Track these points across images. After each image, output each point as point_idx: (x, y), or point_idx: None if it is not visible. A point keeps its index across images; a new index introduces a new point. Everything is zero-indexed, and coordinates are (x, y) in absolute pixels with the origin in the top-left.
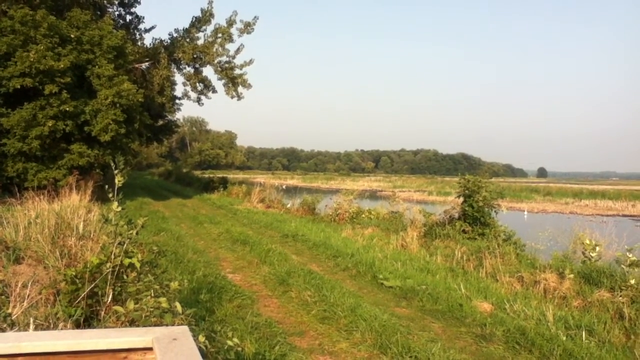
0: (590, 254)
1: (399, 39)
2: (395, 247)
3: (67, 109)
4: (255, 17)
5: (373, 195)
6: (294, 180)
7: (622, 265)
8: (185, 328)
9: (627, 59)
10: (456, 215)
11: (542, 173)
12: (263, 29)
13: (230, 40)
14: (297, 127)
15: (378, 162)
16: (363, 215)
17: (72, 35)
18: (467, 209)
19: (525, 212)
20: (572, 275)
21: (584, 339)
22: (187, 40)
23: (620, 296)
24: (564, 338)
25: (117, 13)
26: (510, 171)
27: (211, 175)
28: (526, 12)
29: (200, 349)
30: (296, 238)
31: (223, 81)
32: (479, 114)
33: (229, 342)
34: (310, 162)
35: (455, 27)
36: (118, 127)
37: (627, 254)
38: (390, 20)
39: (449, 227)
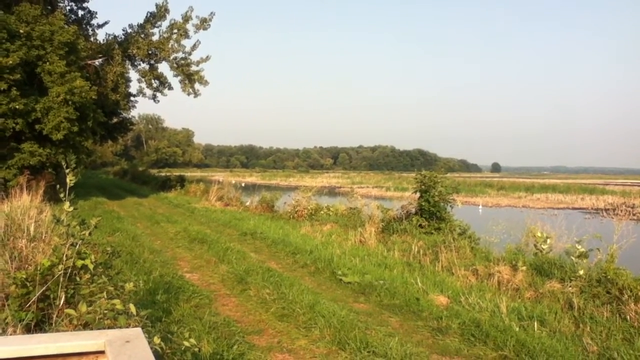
0: (542, 246)
1: (359, 36)
2: (353, 243)
3: (17, 106)
4: (211, 13)
5: (332, 192)
6: (252, 177)
7: (572, 257)
8: (139, 330)
9: (575, 58)
10: (413, 211)
11: (496, 168)
12: (219, 24)
13: (186, 36)
14: (255, 124)
15: (337, 158)
16: (322, 212)
17: (22, 31)
18: (423, 204)
19: (480, 207)
20: (524, 268)
21: (535, 329)
22: (142, 36)
23: (570, 286)
24: (517, 329)
25: (68, 8)
26: (465, 166)
27: (168, 174)
28: (485, 13)
29: (155, 350)
30: (255, 236)
31: (179, 78)
32: (435, 111)
33: (186, 343)
34: (269, 159)
35: (416, 25)
36: (70, 125)
37: (576, 245)
38: (351, 16)
39: (406, 222)
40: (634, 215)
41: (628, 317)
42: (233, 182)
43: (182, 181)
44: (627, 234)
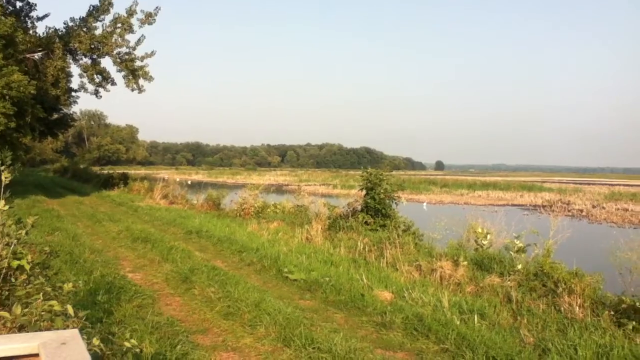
0: (482, 241)
1: (309, 34)
2: (300, 241)
3: None
4: (157, 7)
5: (279, 190)
6: (199, 175)
7: (511, 252)
8: (75, 331)
9: (519, 59)
10: (359, 208)
11: (439, 166)
12: (165, 19)
13: (131, 30)
14: (202, 121)
15: (284, 156)
16: (269, 210)
17: None
18: (369, 201)
19: (425, 204)
20: (465, 263)
21: (476, 322)
22: (84, 29)
23: (509, 280)
24: (458, 322)
25: None
26: (410, 164)
27: (111, 171)
28: (432, 10)
29: (94, 352)
30: (200, 234)
31: (123, 73)
32: (382, 110)
33: (127, 344)
34: (216, 157)
35: (367, 25)
36: (7, 121)
37: (515, 241)
38: (302, 14)
39: (352, 219)
40: (569, 211)
41: (562, 308)
42: (178, 179)
43: (125, 179)
44: (562, 229)
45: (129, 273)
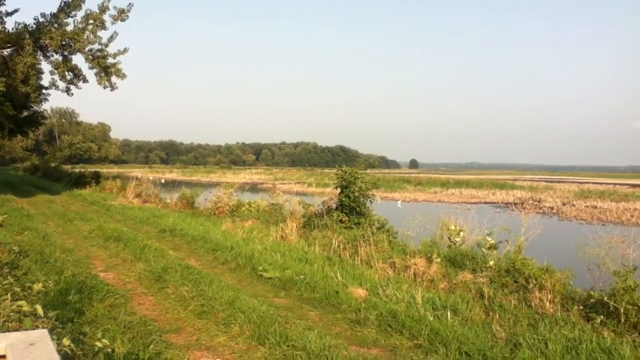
0: (455, 239)
1: (282, 32)
2: (275, 239)
3: None
4: (129, 4)
5: (254, 188)
6: (172, 174)
7: (483, 249)
8: (45, 332)
9: (491, 57)
10: (334, 206)
11: (413, 164)
12: (139, 15)
13: (103, 27)
14: (176, 119)
15: (259, 154)
16: (243, 208)
17: None
18: (344, 199)
19: (399, 202)
20: (439, 260)
21: (449, 318)
22: (55, 25)
23: (481, 277)
24: (432, 318)
25: None
26: (384, 163)
27: (82, 170)
28: (407, 16)
29: (64, 353)
30: (174, 233)
31: (95, 70)
32: (357, 109)
33: (98, 344)
34: (190, 155)
35: (341, 24)
36: None
37: (487, 238)
38: (277, 12)
39: (327, 217)
40: (540, 209)
41: (533, 304)
42: (152, 178)
43: (97, 177)
44: (533, 226)
45: (101, 272)
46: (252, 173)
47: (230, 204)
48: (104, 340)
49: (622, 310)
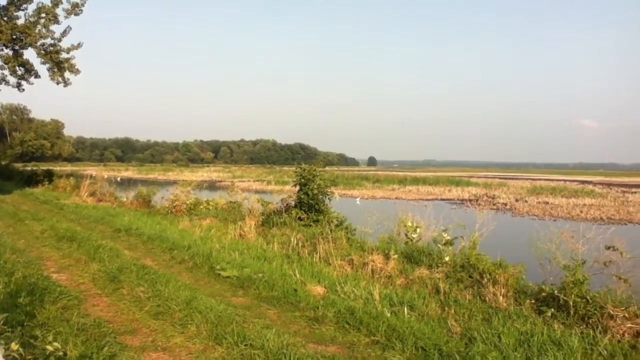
0: (412, 235)
1: (244, 29)
2: (233, 237)
3: None
4: None
5: (212, 186)
6: (128, 172)
7: (439, 245)
8: None
9: (448, 58)
10: (293, 204)
11: (372, 162)
12: (94, 9)
13: (56, 21)
14: (132, 116)
15: (218, 152)
16: (201, 207)
17: None
18: (302, 197)
19: (358, 199)
20: (396, 256)
21: (405, 314)
22: (5, 19)
23: (437, 272)
24: (389, 315)
25: None
26: (343, 160)
27: (35, 168)
28: (362, 16)
29: (12, 357)
30: (130, 232)
31: (47, 65)
32: (312, 106)
33: (49, 347)
34: (147, 153)
35: (307, 23)
36: None
37: (443, 234)
38: (243, 9)
39: (285, 215)
40: (494, 205)
41: (487, 298)
42: (107, 176)
43: (50, 176)
44: (487, 222)
45: (54, 274)
46: (211, 171)
47: (187, 202)
48: (55, 344)
49: (571, 303)
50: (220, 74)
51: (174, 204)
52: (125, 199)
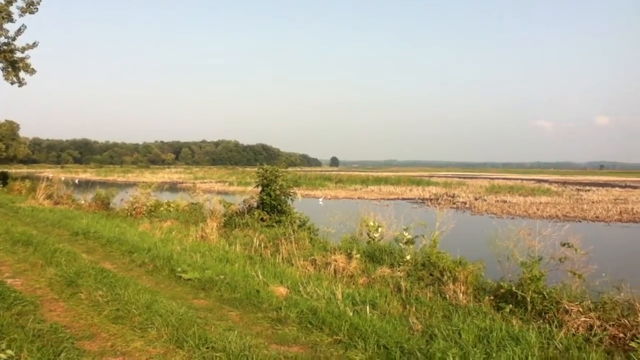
0: (374, 234)
1: (203, 30)
2: (194, 239)
3: None
4: None
5: (173, 187)
6: (87, 174)
7: (400, 243)
8: None
9: (405, 60)
10: (255, 205)
11: (334, 162)
12: (52, 7)
13: (10, 19)
14: (90, 116)
15: (179, 153)
16: (162, 208)
17: None
18: (265, 197)
19: (321, 199)
20: (358, 255)
21: (368, 313)
22: None
23: (399, 271)
24: (351, 314)
25: None
26: (306, 161)
27: None
28: (325, 17)
29: None
30: (88, 235)
31: (1, 65)
32: (279, 107)
33: (2, 355)
34: (105, 155)
35: (265, 23)
36: None
37: (404, 233)
38: (199, 6)
39: (248, 216)
40: (454, 204)
41: (447, 296)
42: (64, 178)
43: (4, 178)
44: (447, 220)
45: (8, 279)
46: (172, 172)
47: (147, 204)
48: (9, 351)
49: (528, 299)
50: (180, 74)
51: (134, 206)
52: (83, 202)
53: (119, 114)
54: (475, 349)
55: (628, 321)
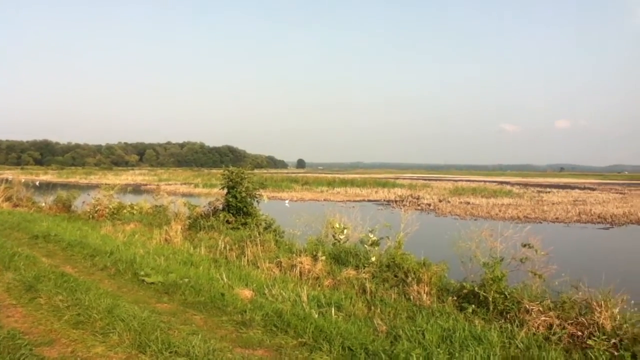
0: (339, 236)
1: (168, 31)
2: (158, 242)
3: None
4: None
5: (137, 190)
6: (48, 175)
7: (365, 245)
8: None
9: (374, 65)
10: (220, 207)
11: (301, 164)
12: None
13: None
14: (51, 116)
15: (143, 155)
16: (125, 211)
17: None
18: (230, 199)
19: (287, 201)
20: (324, 257)
21: (333, 315)
22: None
23: (364, 273)
24: (316, 316)
25: None
26: (272, 162)
27: None
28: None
29: None
30: (48, 239)
31: None
32: (242, 108)
33: None
34: (67, 156)
35: (225, 22)
36: None
37: (369, 234)
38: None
39: (213, 218)
40: (418, 205)
41: (412, 297)
42: (24, 180)
43: None
44: (412, 222)
45: None
46: (135, 174)
47: (110, 206)
48: None
49: (490, 299)
50: (145, 73)
51: (96, 209)
52: (43, 204)
53: (81, 114)
54: (438, 349)
55: (585, 320)
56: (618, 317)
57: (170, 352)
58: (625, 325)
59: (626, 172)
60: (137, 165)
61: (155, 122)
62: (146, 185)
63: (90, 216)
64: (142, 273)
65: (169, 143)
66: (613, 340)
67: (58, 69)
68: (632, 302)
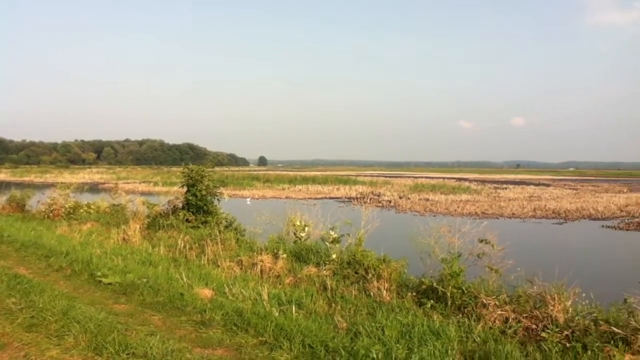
0: (301, 234)
1: (128, 26)
2: (116, 242)
3: None
4: None
5: (94, 188)
6: (1, 174)
7: (326, 242)
8: None
9: (334, 62)
10: (180, 205)
11: (262, 161)
12: None
13: None
14: (4, 114)
15: (101, 152)
16: (81, 210)
17: None
18: (190, 198)
19: (249, 199)
20: (285, 255)
21: (293, 313)
22: None
23: (325, 270)
24: (277, 314)
25: None
26: (234, 160)
27: None
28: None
29: None
30: (1, 239)
31: None
32: (204, 104)
33: None
34: (22, 154)
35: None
36: None
37: (330, 232)
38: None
39: (172, 217)
40: (379, 202)
41: (372, 293)
42: None
43: None
44: (372, 219)
45: None
46: (93, 172)
47: (66, 206)
48: None
49: (448, 294)
50: (103, 70)
51: (51, 208)
52: None
53: (36, 112)
54: (398, 345)
55: (540, 313)
56: (570, 309)
57: (128, 354)
58: (577, 318)
59: (572, 169)
60: (95, 164)
61: (114, 120)
62: (104, 184)
63: (46, 216)
64: (99, 274)
65: (127, 140)
66: (565, 332)
67: (9, 64)
68: (584, 294)
